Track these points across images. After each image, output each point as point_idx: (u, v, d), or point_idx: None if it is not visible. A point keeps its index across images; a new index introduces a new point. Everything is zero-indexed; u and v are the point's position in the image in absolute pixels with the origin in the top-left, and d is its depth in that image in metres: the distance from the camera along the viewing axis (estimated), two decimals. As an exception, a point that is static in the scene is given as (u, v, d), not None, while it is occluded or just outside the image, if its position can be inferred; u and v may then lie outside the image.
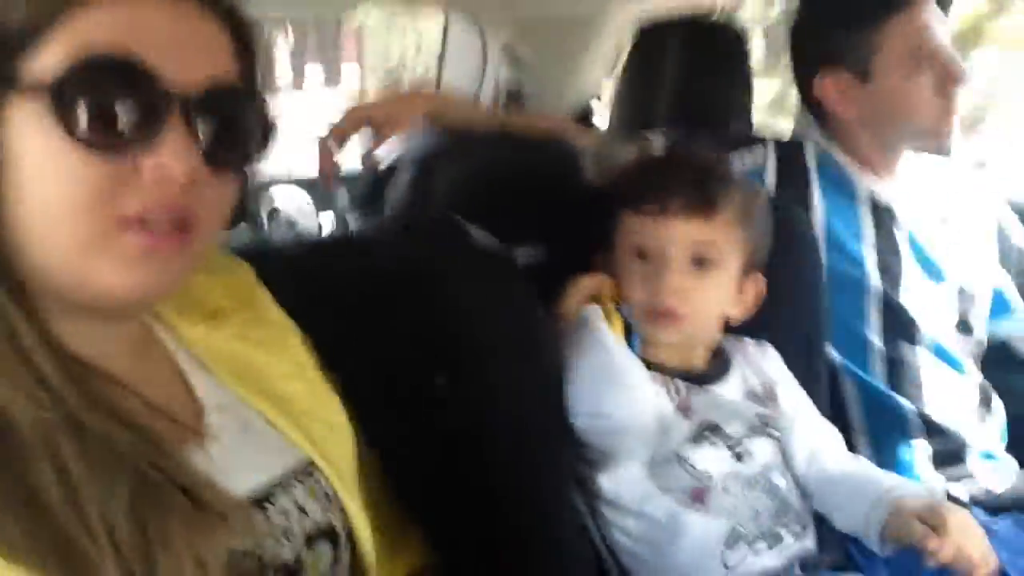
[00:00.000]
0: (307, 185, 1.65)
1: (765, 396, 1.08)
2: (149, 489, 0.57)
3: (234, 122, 0.64)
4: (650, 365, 1.03)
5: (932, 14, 1.32)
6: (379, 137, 1.24)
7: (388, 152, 1.23)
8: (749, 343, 1.14)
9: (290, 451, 0.75)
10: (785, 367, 1.14)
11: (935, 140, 1.35)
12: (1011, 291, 1.44)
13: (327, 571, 0.74)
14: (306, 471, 0.75)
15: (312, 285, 0.91)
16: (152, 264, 0.60)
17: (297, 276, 0.89)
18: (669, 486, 0.97)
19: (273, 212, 1.60)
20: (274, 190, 1.66)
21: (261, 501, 0.69)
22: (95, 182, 0.58)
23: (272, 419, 0.75)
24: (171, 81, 0.59)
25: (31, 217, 0.58)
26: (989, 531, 1.04)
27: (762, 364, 1.12)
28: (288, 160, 1.73)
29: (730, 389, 1.07)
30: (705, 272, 1.04)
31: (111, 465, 0.57)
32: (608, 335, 1.01)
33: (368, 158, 1.26)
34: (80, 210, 0.58)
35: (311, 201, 1.54)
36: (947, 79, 1.29)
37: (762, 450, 1.03)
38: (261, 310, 0.83)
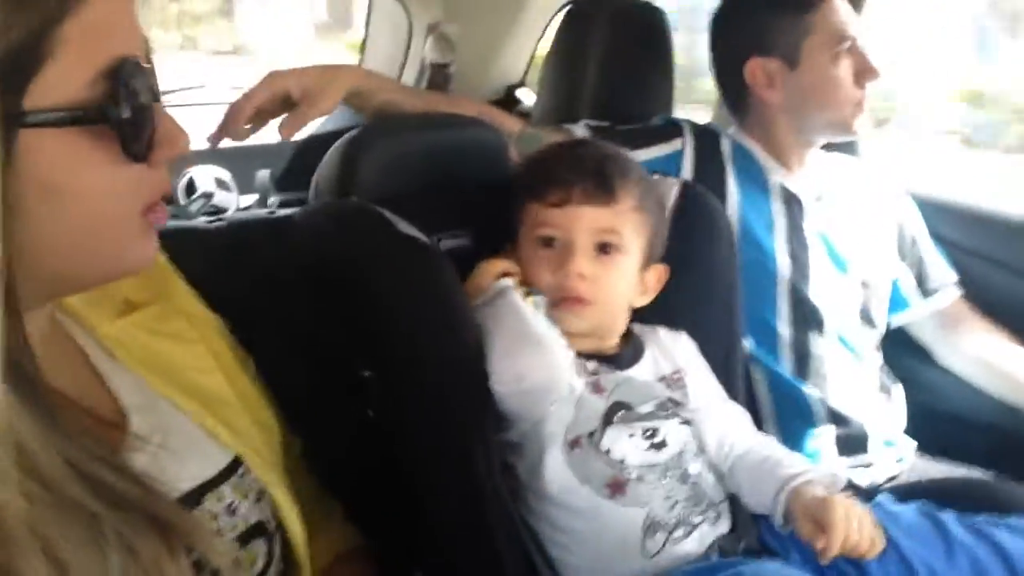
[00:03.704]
0: (227, 160, 1.58)
1: (676, 383, 1.10)
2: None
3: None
4: None
5: (849, 6, 1.39)
6: (299, 114, 1.16)
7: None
8: (662, 331, 1.16)
9: (217, 451, 0.73)
10: (698, 354, 1.16)
11: (847, 132, 1.41)
12: (907, 283, 1.51)
13: (262, 567, 0.73)
14: (234, 469, 0.73)
15: (232, 269, 0.89)
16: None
17: (217, 259, 0.87)
18: (588, 476, 0.99)
19: (191, 188, 1.52)
20: (192, 169, 1.56)
21: (188, 506, 0.67)
22: (138, 186, 0.60)
23: (196, 417, 0.73)
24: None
25: (71, 234, 0.57)
26: (894, 519, 1.09)
27: (674, 351, 1.14)
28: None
29: (642, 372, 1.09)
30: (609, 258, 1.07)
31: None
32: (524, 303, 1.02)
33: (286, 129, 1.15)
34: (128, 214, 0.60)
35: (231, 178, 1.47)
36: (864, 72, 1.36)
37: (676, 436, 1.05)
38: (176, 300, 0.80)
